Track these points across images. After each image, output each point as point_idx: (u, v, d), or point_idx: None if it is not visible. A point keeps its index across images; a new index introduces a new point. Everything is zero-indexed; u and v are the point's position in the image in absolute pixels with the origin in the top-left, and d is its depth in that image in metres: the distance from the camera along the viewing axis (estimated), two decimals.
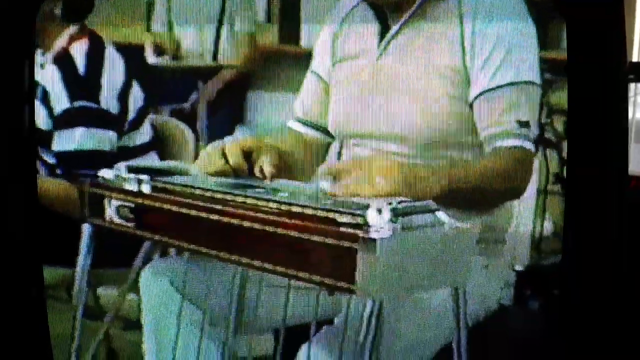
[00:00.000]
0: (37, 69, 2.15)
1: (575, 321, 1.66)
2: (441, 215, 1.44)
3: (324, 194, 1.52)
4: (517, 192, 1.78)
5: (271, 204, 1.51)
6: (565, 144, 2.25)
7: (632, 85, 2.55)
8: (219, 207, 1.55)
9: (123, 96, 2.28)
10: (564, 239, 1.67)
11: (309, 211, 1.46)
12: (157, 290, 1.80)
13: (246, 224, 1.49)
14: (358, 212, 1.40)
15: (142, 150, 2.35)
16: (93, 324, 1.98)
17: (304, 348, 1.58)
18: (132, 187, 1.69)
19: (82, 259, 1.79)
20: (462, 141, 1.78)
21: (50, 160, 2.27)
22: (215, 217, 1.54)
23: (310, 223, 1.42)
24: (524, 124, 1.73)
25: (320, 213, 1.44)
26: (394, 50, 1.83)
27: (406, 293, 1.41)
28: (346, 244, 1.36)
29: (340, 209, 1.43)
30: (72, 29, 2.29)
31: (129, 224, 1.69)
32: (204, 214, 1.56)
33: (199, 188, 1.62)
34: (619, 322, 1.65)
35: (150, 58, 2.77)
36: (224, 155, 1.71)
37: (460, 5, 1.77)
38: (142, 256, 1.87)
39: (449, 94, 1.76)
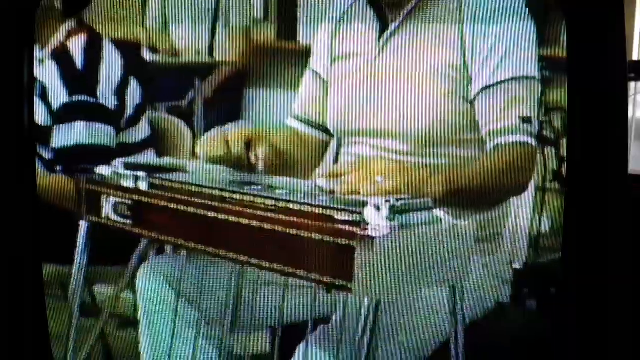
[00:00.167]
0: (35, 65, 2.15)
1: (574, 320, 1.66)
2: (439, 213, 1.44)
3: (321, 192, 1.52)
4: (519, 189, 1.78)
5: (268, 201, 1.50)
6: (563, 142, 2.25)
7: (632, 84, 2.56)
8: (216, 204, 1.54)
9: (120, 92, 2.28)
10: (563, 237, 1.66)
11: (307, 208, 1.45)
12: (153, 288, 1.79)
13: (243, 221, 1.49)
14: (356, 209, 1.39)
15: (139, 147, 2.35)
16: (89, 322, 1.97)
17: (301, 346, 1.58)
18: (129, 184, 1.68)
19: (79, 257, 1.78)
20: (462, 139, 1.77)
21: (49, 157, 2.27)
22: (212, 214, 1.53)
23: (308, 220, 1.42)
24: (526, 120, 1.72)
25: (317, 210, 1.44)
26: (393, 48, 1.82)
27: (404, 291, 1.40)
28: (344, 241, 1.36)
29: (338, 206, 1.42)
30: (70, 23, 2.28)
31: (126, 221, 1.68)
32: (200, 211, 1.55)
33: (196, 185, 1.61)
34: (618, 321, 1.65)
35: (146, 54, 2.77)
36: (226, 143, 1.70)
37: (460, 2, 1.77)
38: (138, 254, 1.86)
39: (448, 91, 1.76)
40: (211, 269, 1.75)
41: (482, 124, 1.75)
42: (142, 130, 2.36)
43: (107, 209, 1.71)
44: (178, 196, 1.60)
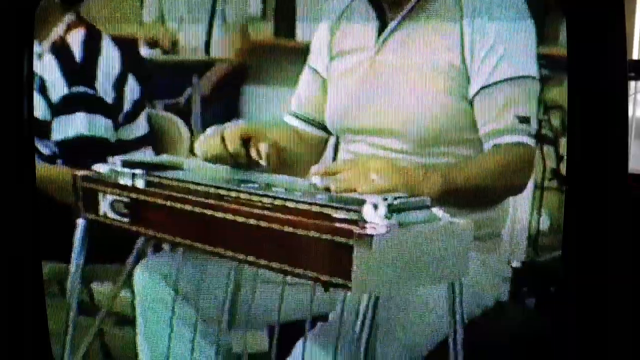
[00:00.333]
0: (34, 59, 2.15)
1: (574, 318, 1.66)
2: (437, 211, 1.43)
3: (319, 190, 1.51)
4: (517, 189, 1.77)
5: (265, 199, 1.50)
6: (562, 140, 2.25)
7: (632, 83, 2.56)
8: (213, 202, 1.54)
9: (119, 85, 2.28)
10: (563, 237, 1.66)
11: (304, 206, 1.45)
12: (150, 286, 1.79)
13: (240, 219, 1.48)
14: (353, 207, 1.39)
15: (137, 144, 2.35)
16: (86, 320, 1.97)
17: (299, 344, 1.57)
18: (126, 181, 1.68)
19: (76, 255, 1.78)
20: (461, 138, 1.77)
21: (48, 152, 2.26)
22: (209, 212, 1.53)
23: (305, 218, 1.41)
24: (525, 120, 1.72)
25: (315, 208, 1.44)
26: (392, 46, 1.82)
27: (402, 289, 1.40)
28: (341, 239, 1.35)
29: (335, 205, 1.42)
30: (69, 17, 2.28)
31: (123, 219, 1.68)
32: (198, 209, 1.55)
33: (193, 183, 1.61)
34: (618, 320, 1.65)
35: (144, 51, 2.77)
36: (222, 140, 1.70)
37: (459, 0, 1.76)
38: (135, 252, 1.86)
39: (447, 90, 1.75)
40: (209, 267, 1.74)
41: (481, 124, 1.74)
42: (139, 127, 2.36)
43: (104, 206, 1.71)
44: (175, 194, 1.60)
